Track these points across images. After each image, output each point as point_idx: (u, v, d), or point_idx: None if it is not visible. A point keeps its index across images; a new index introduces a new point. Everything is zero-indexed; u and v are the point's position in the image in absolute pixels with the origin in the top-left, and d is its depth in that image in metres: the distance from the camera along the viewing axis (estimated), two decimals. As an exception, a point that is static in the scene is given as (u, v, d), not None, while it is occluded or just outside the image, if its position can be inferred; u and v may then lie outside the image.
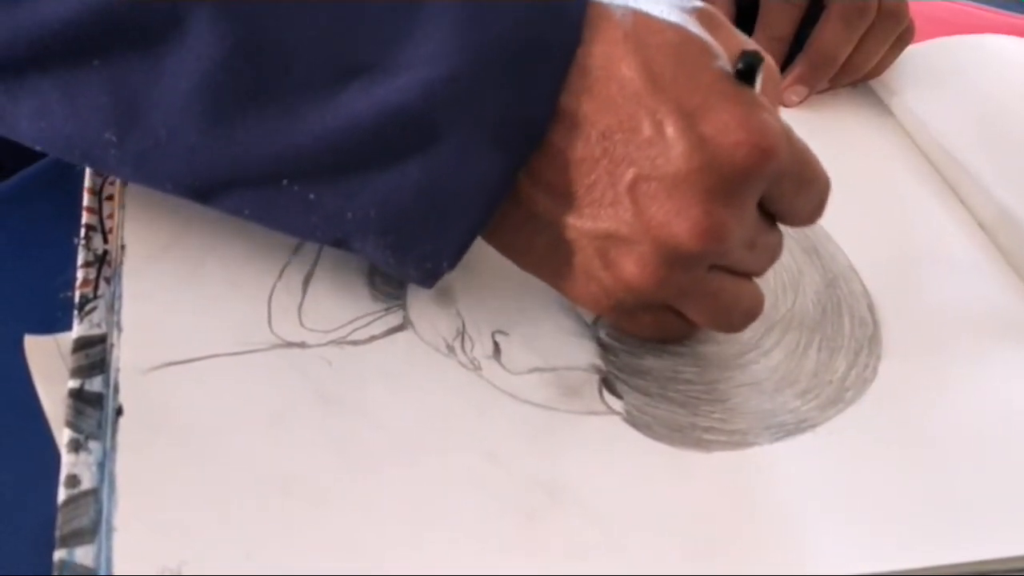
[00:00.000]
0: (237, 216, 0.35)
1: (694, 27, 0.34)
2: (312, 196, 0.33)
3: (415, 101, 0.31)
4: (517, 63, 0.31)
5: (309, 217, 0.33)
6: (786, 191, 0.35)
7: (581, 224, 0.34)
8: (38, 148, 0.34)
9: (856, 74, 0.56)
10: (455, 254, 0.34)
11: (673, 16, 0.34)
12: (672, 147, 0.32)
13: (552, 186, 0.33)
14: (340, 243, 0.34)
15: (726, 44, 0.34)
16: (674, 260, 0.33)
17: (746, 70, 0.33)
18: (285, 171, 0.32)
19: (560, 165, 0.33)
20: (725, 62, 0.33)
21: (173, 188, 0.34)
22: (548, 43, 0.32)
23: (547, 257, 0.35)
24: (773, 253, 0.37)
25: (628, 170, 0.32)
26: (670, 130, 0.32)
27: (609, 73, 0.32)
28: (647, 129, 0.32)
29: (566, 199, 0.33)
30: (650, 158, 0.32)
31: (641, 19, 0.33)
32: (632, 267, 0.34)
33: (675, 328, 0.38)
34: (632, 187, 0.32)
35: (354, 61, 0.31)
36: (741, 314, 0.37)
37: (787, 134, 0.34)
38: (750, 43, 0.35)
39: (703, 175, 0.32)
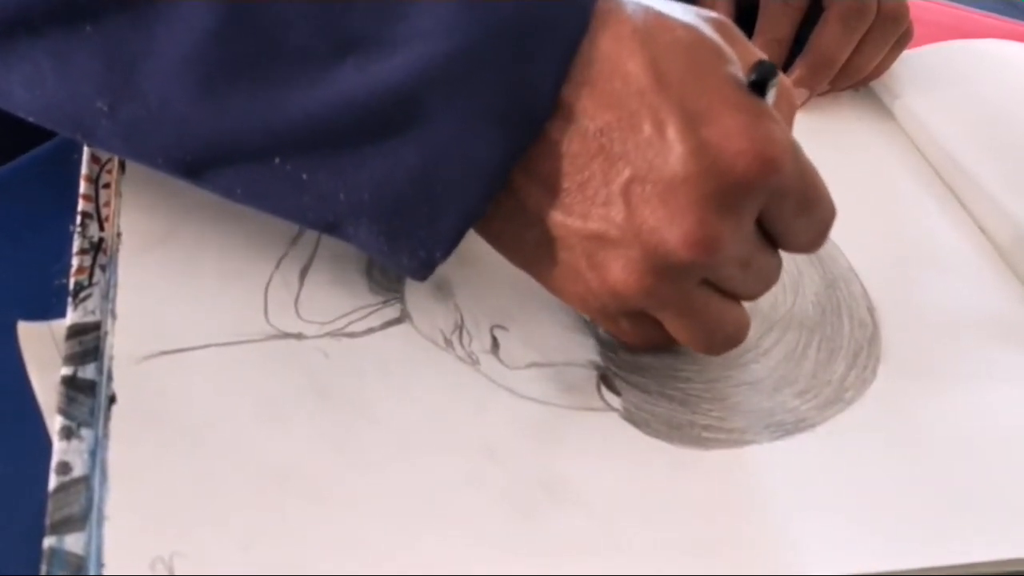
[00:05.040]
0: (229, 197, 0.34)
1: (709, 31, 0.33)
2: (305, 176, 0.32)
3: (410, 80, 0.30)
4: (519, 47, 0.31)
5: (301, 198, 0.33)
6: (787, 211, 0.33)
7: (571, 222, 0.33)
8: (32, 119, 0.33)
9: (856, 76, 0.56)
10: (449, 243, 0.33)
11: (688, 17, 0.33)
12: (671, 149, 0.31)
13: (545, 179, 0.32)
14: (332, 228, 0.34)
15: (742, 58, 0.33)
16: (662, 269, 0.32)
17: (759, 81, 0.32)
18: (278, 148, 0.32)
19: (555, 158, 0.32)
20: (737, 68, 0.32)
21: (164, 163, 0.33)
22: (553, 29, 0.31)
23: (536, 253, 0.34)
24: (769, 278, 0.36)
25: (624, 170, 0.31)
26: (671, 132, 0.31)
27: (613, 67, 0.31)
28: (647, 128, 0.31)
29: (558, 194, 0.32)
30: (647, 159, 0.31)
31: (653, 16, 0.32)
32: (618, 272, 0.33)
33: (655, 339, 0.36)
34: (626, 188, 0.32)
35: (350, 36, 0.31)
36: (723, 338, 0.36)
37: (794, 150, 0.32)
38: (766, 59, 0.34)
39: (700, 182, 0.31)
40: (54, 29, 0.31)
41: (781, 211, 0.33)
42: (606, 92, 0.31)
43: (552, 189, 0.32)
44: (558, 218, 0.33)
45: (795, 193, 0.33)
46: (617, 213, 0.32)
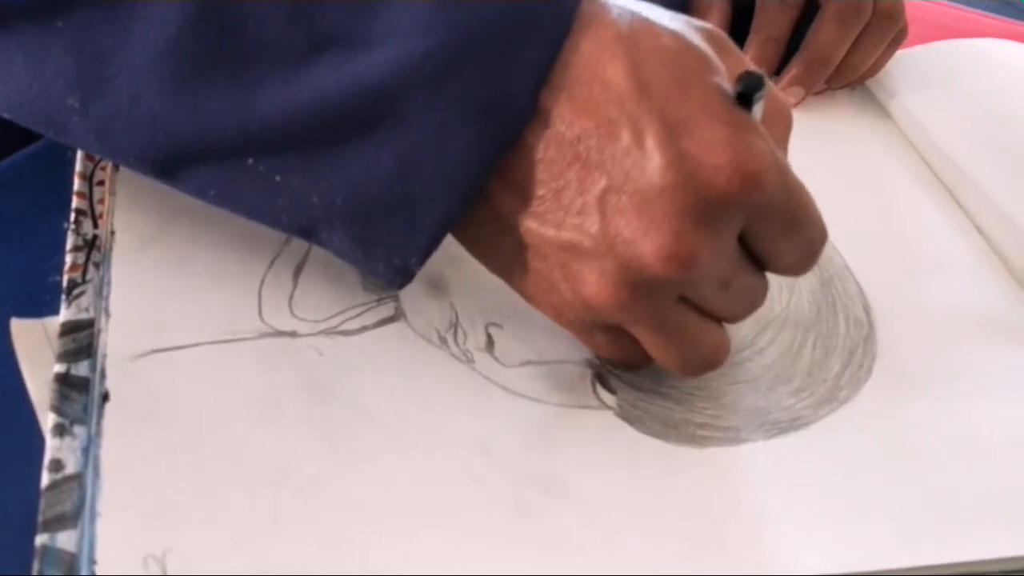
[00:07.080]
0: (203, 198, 0.33)
1: (697, 39, 0.32)
2: (278, 178, 0.31)
3: (386, 78, 0.29)
4: (498, 48, 0.30)
5: (275, 200, 0.32)
6: (770, 230, 0.32)
7: (544, 231, 0.32)
8: (6, 115, 0.33)
9: (852, 75, 0.56)
10: (424, 249, 0.32)
11: (676, 24, 0.32)
12: (649, 160, 0.30)
13: (519, 187, 0.31)
14: (307, 233, 0.33)
15: (733, 69, 0.32)
16: (636, 283, 0.31)
17: (745, 93, 0.31)
18: (250, 147, 0.31)
19: (530, 165, 0.31)
20: (724, 80, 0.31)
21: (136, 162, 0.33)
22: (534, 31, 0.30)
23: (511, 261, 0.33)
24: (753, 300, 0.34)
25: (600, 179, 0.30)
26: (649, 141, 0.30)
27: (593, 73, 0.30)
28: (625, 137, 0.30)
29: (532, 202, 0.31)
30: (624, 169, 0.30)
31: (639, 22, 0.31)
32: (591, 284, 0.32)
33: (631, 354, 0.35)
34: (602, 198, 0.30)
35: (325, 33, 0.30)
36: (699, 360, 0.34)
37: (779, 166, 0.31)
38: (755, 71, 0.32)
39: (677, 194, 0.30)
40: (26, 24, 0.31)
41: (764, 230, 0.32)
42: (584, 98, 0.31)
43: (526, 196, 0.31)
44: (532, 226, 0.32)
45: (779, 212, 0.32)
46: (592, 223, 0.31)
